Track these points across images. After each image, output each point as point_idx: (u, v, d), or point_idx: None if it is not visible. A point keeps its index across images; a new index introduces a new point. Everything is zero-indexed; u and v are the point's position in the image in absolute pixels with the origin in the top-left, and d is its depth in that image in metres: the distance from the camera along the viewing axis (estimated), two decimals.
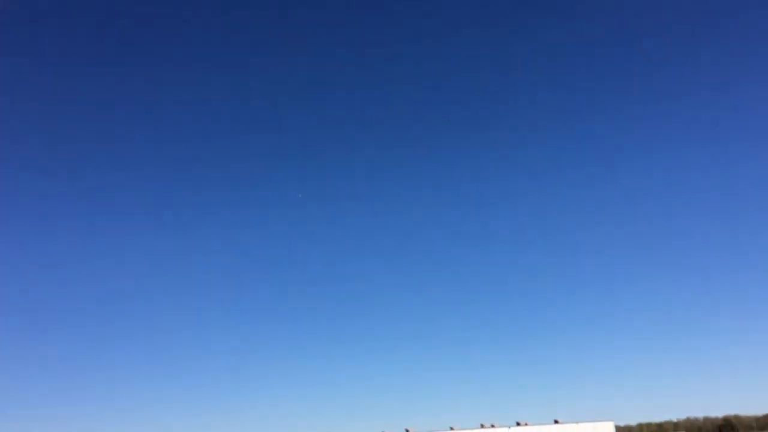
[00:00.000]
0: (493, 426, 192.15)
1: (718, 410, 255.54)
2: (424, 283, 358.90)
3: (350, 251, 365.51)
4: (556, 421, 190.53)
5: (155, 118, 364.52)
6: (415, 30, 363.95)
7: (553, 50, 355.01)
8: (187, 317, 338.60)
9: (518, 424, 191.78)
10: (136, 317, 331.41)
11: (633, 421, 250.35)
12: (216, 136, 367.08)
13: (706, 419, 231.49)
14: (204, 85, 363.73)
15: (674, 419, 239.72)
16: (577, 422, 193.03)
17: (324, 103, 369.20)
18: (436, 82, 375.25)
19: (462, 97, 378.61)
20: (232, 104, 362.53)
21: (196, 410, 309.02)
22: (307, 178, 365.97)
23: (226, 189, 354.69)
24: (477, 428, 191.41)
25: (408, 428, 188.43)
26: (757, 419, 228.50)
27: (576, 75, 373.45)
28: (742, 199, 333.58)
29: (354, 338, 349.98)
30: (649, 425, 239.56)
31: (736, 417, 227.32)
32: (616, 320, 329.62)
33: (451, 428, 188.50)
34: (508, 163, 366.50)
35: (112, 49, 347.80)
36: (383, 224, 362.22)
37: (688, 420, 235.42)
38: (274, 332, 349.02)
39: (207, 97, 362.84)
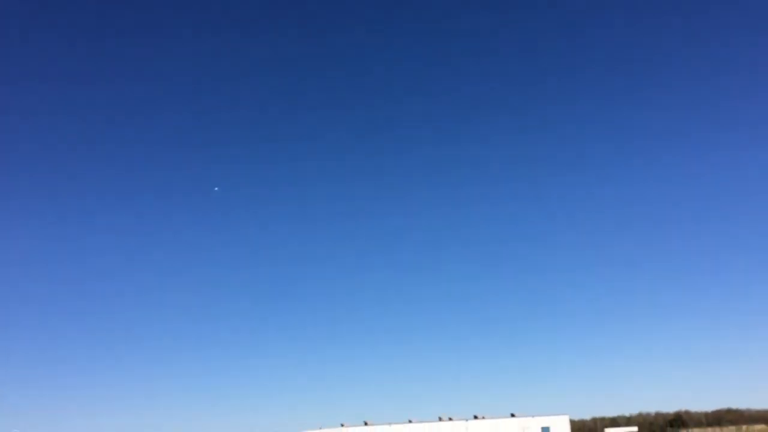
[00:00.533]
0: (450, 419, 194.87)
1: (670, 406, 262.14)
2: (384, 280, 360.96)
3: (332, 245, 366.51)
4: (512, 415, 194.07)
5: (154, 117, 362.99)
6: (414, 30, 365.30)
7: (555, 50, 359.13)
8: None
9: (476, 417, 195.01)
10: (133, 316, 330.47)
11: (587, 416, 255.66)
12: (212, 136, 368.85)
13: (658, 414, 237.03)
14: (204, 86, 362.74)
15: (627, 414, 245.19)
16: (533, 416, 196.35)
17: (325, 102, 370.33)
18: (436, 83, 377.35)
19: (463, 96, 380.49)
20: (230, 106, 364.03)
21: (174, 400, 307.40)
22: (308, 178, 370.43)
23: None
24: (435, 421, 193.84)
25: (366, 421, 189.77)
26: (707, 415, 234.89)
27: (576, 75, 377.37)
28: (710, 195, 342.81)
29: (314, 333, 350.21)
30: (602, 419, 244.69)
31: (687, 413, 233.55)
32: (572, 317, 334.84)
33: (410, 421, 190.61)
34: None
35: (113, 49, 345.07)
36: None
37: (640, 415, 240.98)
38: (237, 327, 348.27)
39: (204, 99, 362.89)
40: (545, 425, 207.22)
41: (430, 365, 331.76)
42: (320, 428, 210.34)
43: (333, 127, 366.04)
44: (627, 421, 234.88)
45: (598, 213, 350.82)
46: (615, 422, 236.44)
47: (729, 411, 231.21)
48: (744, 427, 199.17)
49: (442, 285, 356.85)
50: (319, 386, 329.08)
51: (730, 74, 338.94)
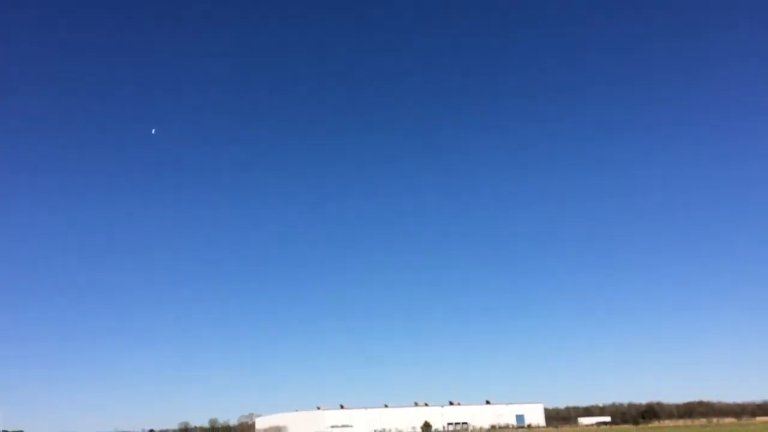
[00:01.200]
0: (426, 405, 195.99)
1: (642, 397, 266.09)
2: (368, 269, 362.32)
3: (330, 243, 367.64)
4: (487, 402, 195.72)
5: (155, 116, 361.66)
6: (418, 28, 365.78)
7: (557, 49, 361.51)
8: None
9: (451, 403, 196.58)
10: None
11: (561, 405, 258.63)
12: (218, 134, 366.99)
13: (631, 405, 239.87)
14: (206, 85, 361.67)
15: (600, 404, 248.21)
16: (507, 403, 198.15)
17: (326, 102, 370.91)
18: (439, 82, 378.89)
19: (463, 97, 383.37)
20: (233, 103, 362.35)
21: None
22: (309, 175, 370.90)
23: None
24: (411, 406, 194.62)
25: (343, 404, 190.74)
26: (678, 407, 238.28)
27: (577, 75, 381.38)
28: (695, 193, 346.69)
29: (295, 316, 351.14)
30: (576, 409, 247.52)
31: (659, 404, 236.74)
32: (547, 308, 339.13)
33: (386, 405, 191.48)
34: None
35: (113, 45, 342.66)
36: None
37: (613, 405, 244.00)
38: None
39: (207, 96, 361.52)
40: (519, 413, 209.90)
41: (406, 352, 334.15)
42: (297, 411, 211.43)
43: (334, 125, 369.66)
44: (600, 411, 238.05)
45: (578, 207, 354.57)
46: (588, 411, 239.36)
47: (700, 403, 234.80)
48: (714, 419, 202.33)
49: (423, 274, 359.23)
50: (297, 369, 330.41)
51: (731, 74, 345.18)
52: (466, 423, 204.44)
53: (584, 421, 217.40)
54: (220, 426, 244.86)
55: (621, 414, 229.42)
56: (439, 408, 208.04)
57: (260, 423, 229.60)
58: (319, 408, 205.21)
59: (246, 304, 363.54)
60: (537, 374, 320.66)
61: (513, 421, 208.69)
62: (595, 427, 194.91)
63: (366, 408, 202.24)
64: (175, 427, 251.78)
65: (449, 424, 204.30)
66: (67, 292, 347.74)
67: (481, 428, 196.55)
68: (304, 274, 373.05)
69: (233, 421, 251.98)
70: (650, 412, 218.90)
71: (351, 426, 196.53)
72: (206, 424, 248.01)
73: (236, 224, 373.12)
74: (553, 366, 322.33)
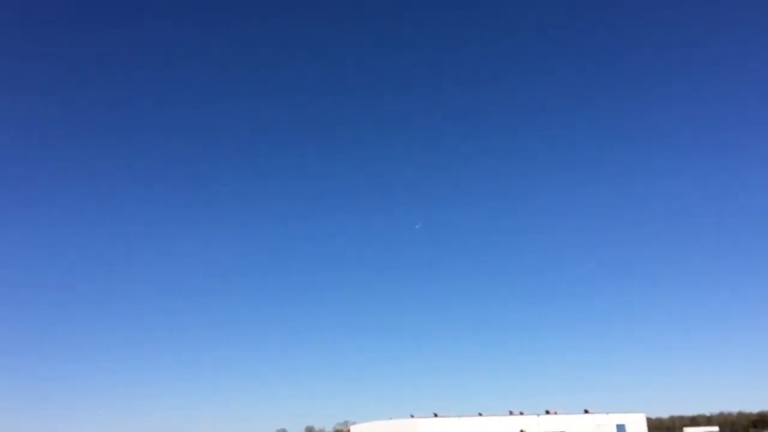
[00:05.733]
0: (522, 413, 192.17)
1: (753, 406, 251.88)
2: (450, 274, 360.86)
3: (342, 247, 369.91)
4: (586, 411, 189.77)
5: (158, 114, 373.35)
6: (416, 32, 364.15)
7: (557, 49, 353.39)
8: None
9: (547, 412, 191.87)
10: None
11: (665, 414, 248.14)
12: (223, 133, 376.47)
13: (741, 414, 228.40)
14: (211, 83, 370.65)
15: (707, 413, 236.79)
16: (607, 413, 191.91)
17: (329, 103, 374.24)
18: (439, 82, 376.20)
19: (465, 97, 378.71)
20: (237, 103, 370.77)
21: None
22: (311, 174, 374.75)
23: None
24: (506, 415, 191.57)
25: (436, 413, 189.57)
26: None
27: (578, 75, 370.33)
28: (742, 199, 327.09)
29: (387, 324, 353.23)
30: (681, 418, 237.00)
31: None
32: (650, 311, 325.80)
33: (480, 414, 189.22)
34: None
35: (116, 46, 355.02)
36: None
37: (721, 415, 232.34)
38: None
39: (212, 95, 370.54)
40: (620, 422, 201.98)
41: (501, 359, 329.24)
42: (390, 418, 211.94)
43: (338, 125, 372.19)
44: (707, 421, 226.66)
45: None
46: (695, 421, 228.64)
47: None
48: None
49: (520, 277, 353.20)
50: (391, 377, 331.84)
51: (730, 75, 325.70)
52: None
53: (690, 431, 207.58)
54: None
55: (730, 424, 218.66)
56: (535, 417, 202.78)
57: (355, 430, 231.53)
58: (412, 416, 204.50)
59: (343, 310, 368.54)
60: (638, 382, 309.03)
61: (614, 431, 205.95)
62: None
63: (459, 416, 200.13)
64: None
65: None
66: (171, 293, 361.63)
67: None
68: (400, 278, 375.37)
69: (329, 428, 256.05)
70: (762, 422, 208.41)
71: None
72: (302, 431, 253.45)
73: (323, 228, 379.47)
74: (655, 373, 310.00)
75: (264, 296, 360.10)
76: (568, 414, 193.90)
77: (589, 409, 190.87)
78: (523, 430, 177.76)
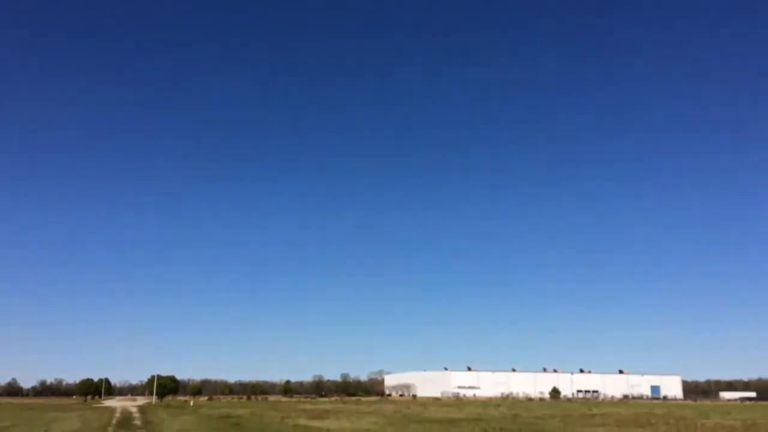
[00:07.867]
0: (555, 371, 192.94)
1: None
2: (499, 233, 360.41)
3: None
4: (620, 371, 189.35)
5: (157, 114, 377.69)
6: (420, 31, 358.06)
7: (561, 48, 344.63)
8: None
9: (581, 371, 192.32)
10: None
11: (701, 377, 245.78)
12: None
13: None
14: (209, 84, 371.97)
15: (745, 378, 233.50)
16: (642, 374, 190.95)
17: (331, 105, 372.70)
18: (441, 82, 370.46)
19: (466, 97, 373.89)
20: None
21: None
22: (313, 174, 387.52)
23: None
24: (540, 371, 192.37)
25: (470, 366, 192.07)
26: None
27: (579, 75, 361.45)
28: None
29: (425, 280, 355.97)
30: (717, 382, 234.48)
31: None
32: (686, 275, 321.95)
33: (513, 369, 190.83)
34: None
35: (114, 46, 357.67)
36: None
37: (760, 380, 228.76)
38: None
39: (211, 95, 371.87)
40: (655, 384, 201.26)
41: (536, 316, 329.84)
42: (425, 370, 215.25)
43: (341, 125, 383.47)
44: (745, 386, 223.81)
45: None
46: (731, 386, 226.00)
47: None
48: None
49: (557, 239, 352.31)
50: (426, 331, 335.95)
51: (730, 74, 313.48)
52: (596, 391, 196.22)
53: (726, 395, 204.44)
54: (351, 381, 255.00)
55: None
56: (569, 375, 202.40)
57: (389, 380, 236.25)
58: (446, 369, 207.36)
59: (381, 271, 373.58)
60: (675, 344, 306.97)
61: (647, 392, 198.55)
62: (738, 402, 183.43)
63: (493, 371, 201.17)
64: (310, 379, 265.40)
65: (578, 391, 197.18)
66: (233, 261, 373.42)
67: (612, 397, 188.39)
68: (435, 236, 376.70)
69: (363, 377, 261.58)
70: None
71: (478, 387, 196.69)
72: (338, 378, 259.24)
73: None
74: (693, 336, 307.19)
75: (302, 248, 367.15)
76: (602, 374, 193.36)
77: (624, 370, 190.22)
78: (556, 386, 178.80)
